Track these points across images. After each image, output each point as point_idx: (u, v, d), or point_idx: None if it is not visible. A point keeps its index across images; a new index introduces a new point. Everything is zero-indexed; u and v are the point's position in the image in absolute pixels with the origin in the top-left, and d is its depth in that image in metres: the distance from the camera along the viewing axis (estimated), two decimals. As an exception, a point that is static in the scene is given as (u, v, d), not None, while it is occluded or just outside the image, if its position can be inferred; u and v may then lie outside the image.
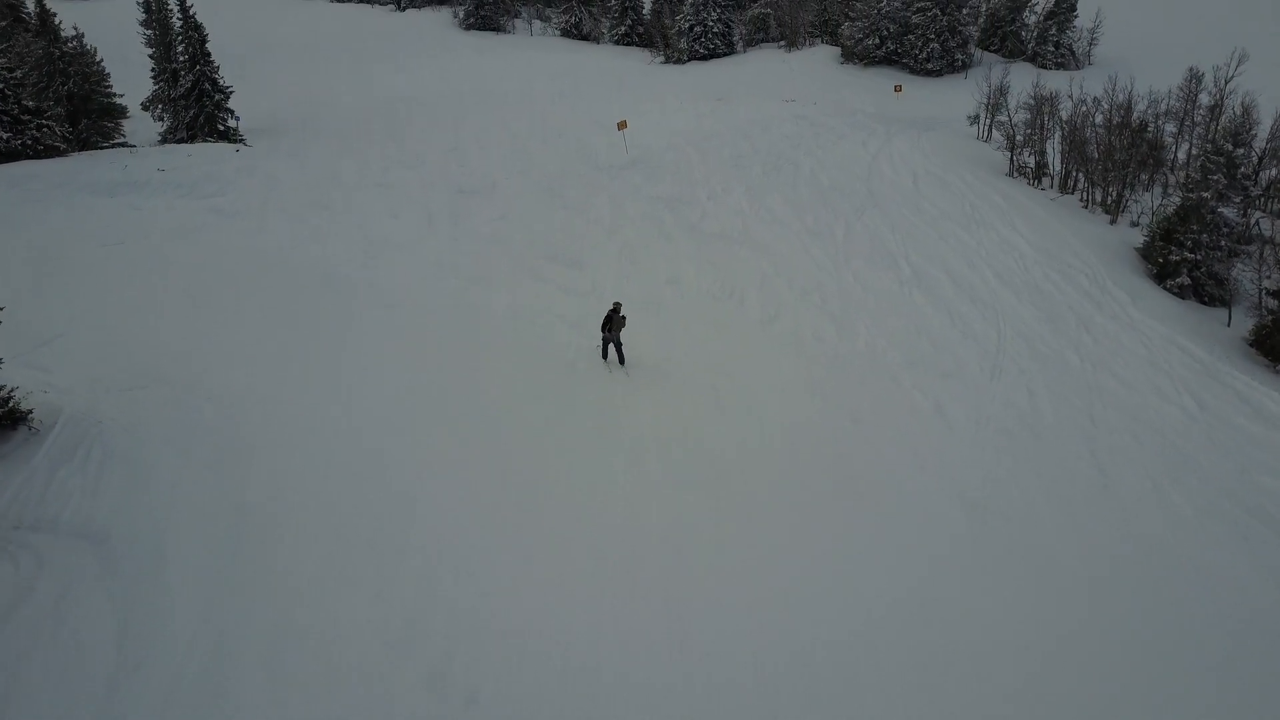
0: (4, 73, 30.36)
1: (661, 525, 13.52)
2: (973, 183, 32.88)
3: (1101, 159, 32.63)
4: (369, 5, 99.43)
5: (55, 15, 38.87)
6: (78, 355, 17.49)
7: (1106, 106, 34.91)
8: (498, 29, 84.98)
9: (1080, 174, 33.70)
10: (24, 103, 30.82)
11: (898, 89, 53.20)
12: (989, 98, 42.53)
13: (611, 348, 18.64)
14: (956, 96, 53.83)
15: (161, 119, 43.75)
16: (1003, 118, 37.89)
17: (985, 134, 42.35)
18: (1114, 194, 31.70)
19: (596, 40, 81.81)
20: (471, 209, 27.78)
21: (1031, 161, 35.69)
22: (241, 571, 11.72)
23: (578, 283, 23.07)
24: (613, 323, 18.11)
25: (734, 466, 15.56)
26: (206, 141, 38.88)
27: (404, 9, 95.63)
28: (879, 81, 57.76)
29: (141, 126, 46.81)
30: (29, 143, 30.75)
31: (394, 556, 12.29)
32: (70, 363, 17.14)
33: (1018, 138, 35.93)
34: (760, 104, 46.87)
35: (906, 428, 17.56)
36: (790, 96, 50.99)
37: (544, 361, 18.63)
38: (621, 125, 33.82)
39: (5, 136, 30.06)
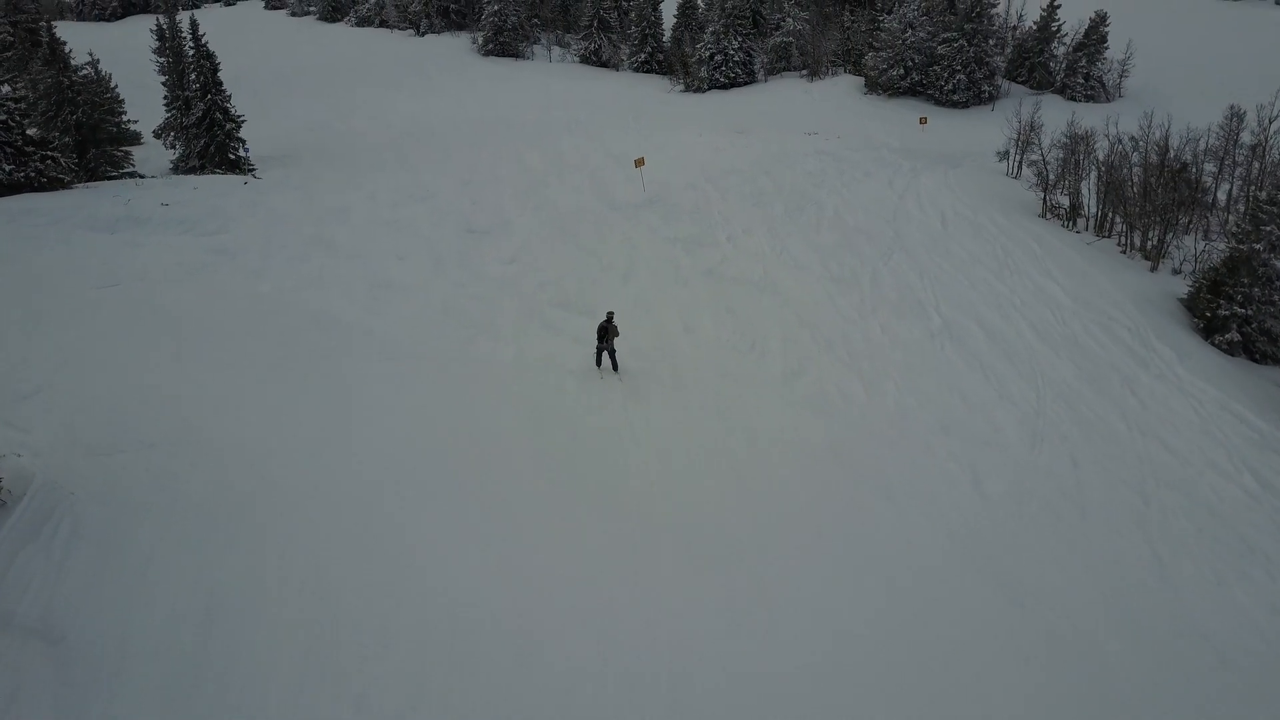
0: (8, 103, 29.74)
1: (672, 610, 12.44)
2: (1004, 224, 31.59)
3: (1139, 200, 31.25)
4: (389, 30, 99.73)
5: (65, 44, 38.42)
6: (59, 411, 16.50)
7: (1144, 145, 33.57)
8: (516, 55, 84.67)
9: (1117, 216, 32.31)
10: (28, 133, 30.19)
11: (923, 121, 52.13)
12: (1019, 133, 41.27)
13: (605, 355, 19.72)
14: (983, 129, 52.65)
15: (173, 147, 43.30)
16: (1034, 155, 36.58)
17: (1015, 170, 41.04)
18: (1154, 238, 30.29)
19: (615, 67, 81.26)
20: (482, 250, 26.80)
21: (1065, 202, 34.36)
22: (206, 682, 10.57)
23: (589, 332, 21.88)
24: (607, 333, 19.33)
25: (750, 544, 14.41)
26: (215, 173, 38.28)
27: (423, 34, 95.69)
28: (903, 113, 56.66)
29: (155, 154, 46.49)
30: (32, 175, 30.08)
31: (380, 651, 11.18)
32: (51, 420, 16.14)
33: (1050, 177, 34.59)
34: (782, 137, 45.85)
35: (941, 502, 16.25)
36: (813, 129, 49.95)
37: (551, 423, 17.51)
38: (639, 163, 32.83)
39: (8, 169, 29.40)
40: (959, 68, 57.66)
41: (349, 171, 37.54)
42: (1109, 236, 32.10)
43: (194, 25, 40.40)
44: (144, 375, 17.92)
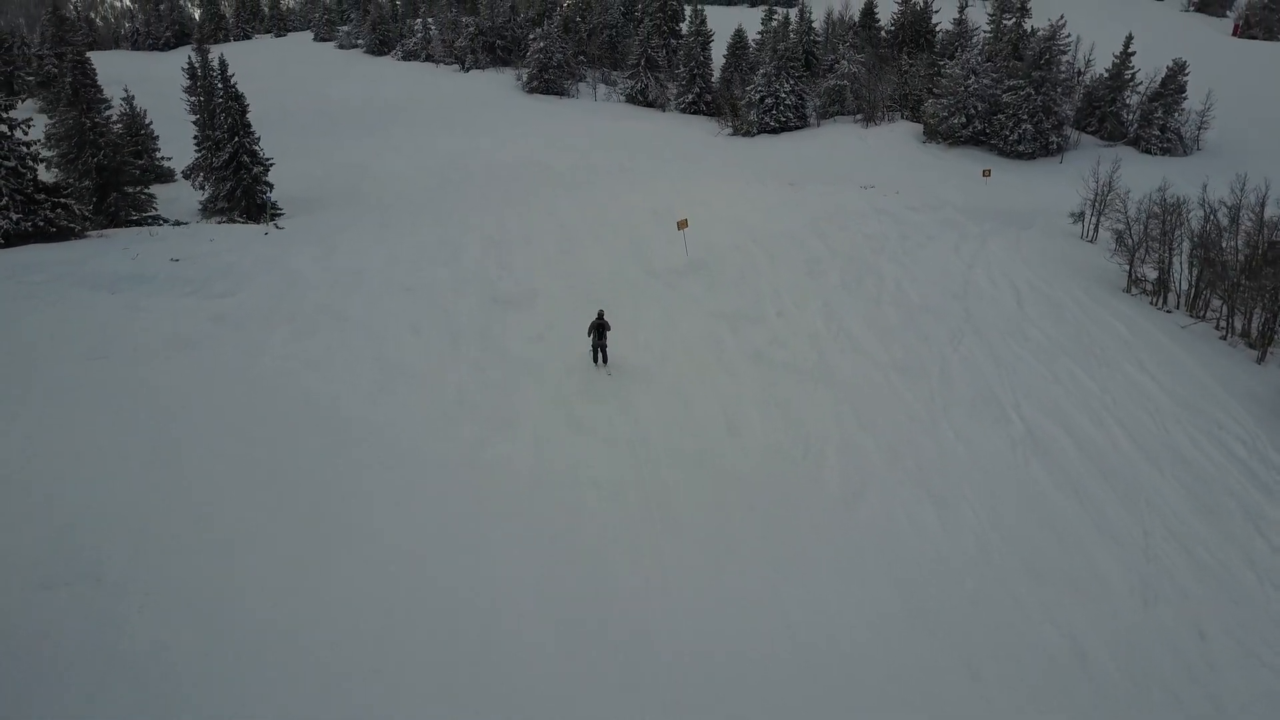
0: (20, 147, 28.22)
1: None
2: (1086, 302, 28.45)
3: (1241, 278, 27.86)
4: (434, 65, 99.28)
5: (93, 81, 37.18)
6: (4, 518, 14.42)
7: (1241, 213, 30.18)
8: (561, 93, 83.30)
9: (1213, 294, 28.93)
10: (40, 180, 28.65)
11: (986, 174, 49.08)
12: (1095, 193, 38.00)
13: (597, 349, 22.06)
14: (1052, 184, 49.44)
15: (202, 188, 41.91)
16: (1118, 223, 33.28)
17: (1090, 233, 37.78)
18: (1260, 323, 26.87)
19: (662, 107, 79.35)
20: (506, 323, 24.40)
21: (1152, 275, 31.05)
22: None
23: (620, 430, 19.33)
24: (600, 330, 21.86)
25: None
26: (235, 222, 36.55)
27: (468, 70, 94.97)
28: (964, 164, 53.62)
29: (186, 192, 45.27)
30: (41, 224, 28.48)
31: None
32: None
33: (1137, 249, 31.30)
34: (836, 191, 43.08)
35: (1039, 684, 13.26)
36: (868, 181, 47.12)
37: (568, 559, 14.86)
38: (682, 224, 30.29)
39: (15, 218, 27.82)
40: (1025, 117, 54.49)
41: (375, 223, 35.59)
42: (1204, 318, 28.73)
43: (223, 65, 39.01)
44: (112, 481, 15.72)
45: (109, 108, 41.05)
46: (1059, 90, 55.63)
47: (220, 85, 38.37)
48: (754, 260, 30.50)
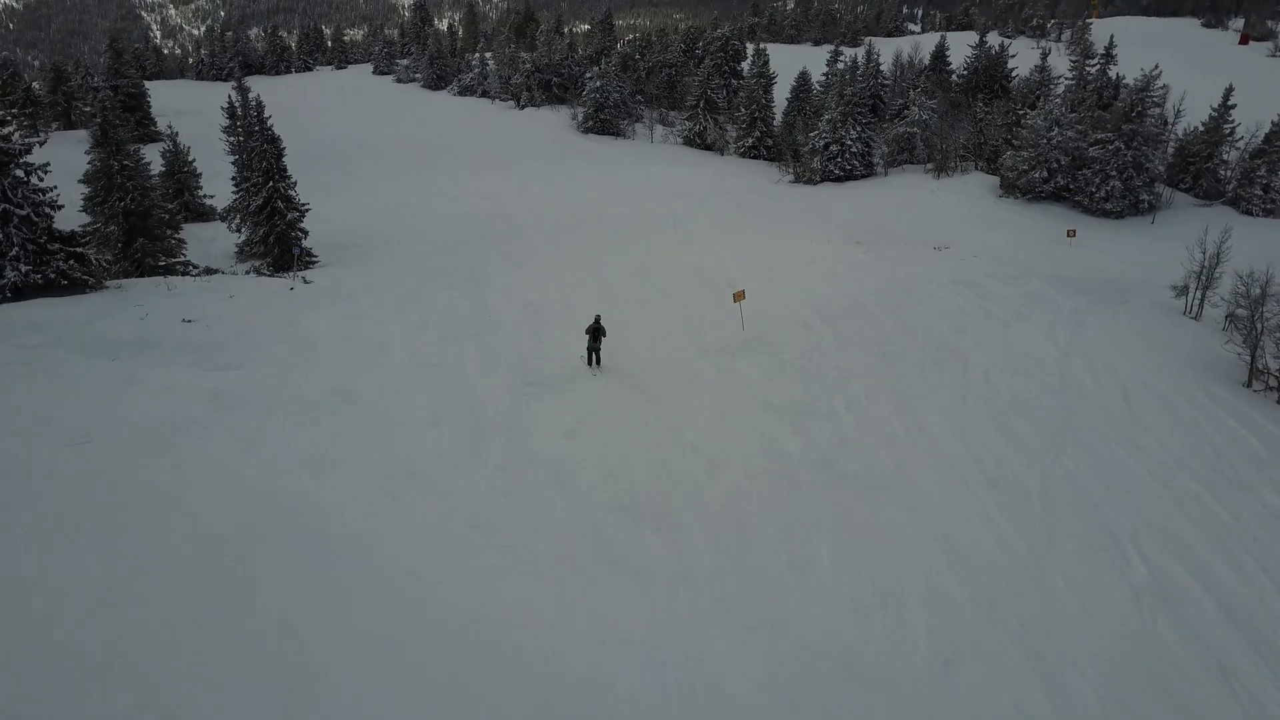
0: (34, 194, 26.48)
1: None
2: (1203, 402, 24.72)
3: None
4: (490, 101, 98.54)
5: (118, 125, 35.84)
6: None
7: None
8: (616, 133, 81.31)
9: (1356, 396, 24.96)
10: (54, 229, 26.89)
11: (1071, 234, 45.30)
12: (1201, 265, 34.06)
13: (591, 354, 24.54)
14: (1144, 247, 45.50)
15: (238, 230, 40.29)
16: (1237, 306, 29.34)
17: (1195, 308, 33.82)
18: None
19: (720, 151, 76.69)
20: (536, 413, 21.64)
21: (1276, 365, 27.11)
22: None
23: (658, 565, 16.32)
24: (595, 334, 24.13)
25: None
26: (264, 275, 34.58)
27: (523, 107, 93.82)
28: (1045, 222, 49.76)
29: (224, 232, 43.85)
30: (52, 277, 26.63)
31: None
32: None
33: (1260, 337, 27.40)
34: (908, 252, 39.80)
35: None
36: (942, 240, 43.67)
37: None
38: (739, 296, 27.39)
39: (24, 269, 26.00)
40: (1113, 173, 50.45)
41: (409, 279, 33.38)
42: (1346, 424, 24.76)
43: (260, 107, 37.42)
44: (51, 624, 13.11)
45: (161, 138, 39.76)
46: (1151, 145, 51.50)
47: (257, 127, 36.77)
48: (818, 338, 27.38)
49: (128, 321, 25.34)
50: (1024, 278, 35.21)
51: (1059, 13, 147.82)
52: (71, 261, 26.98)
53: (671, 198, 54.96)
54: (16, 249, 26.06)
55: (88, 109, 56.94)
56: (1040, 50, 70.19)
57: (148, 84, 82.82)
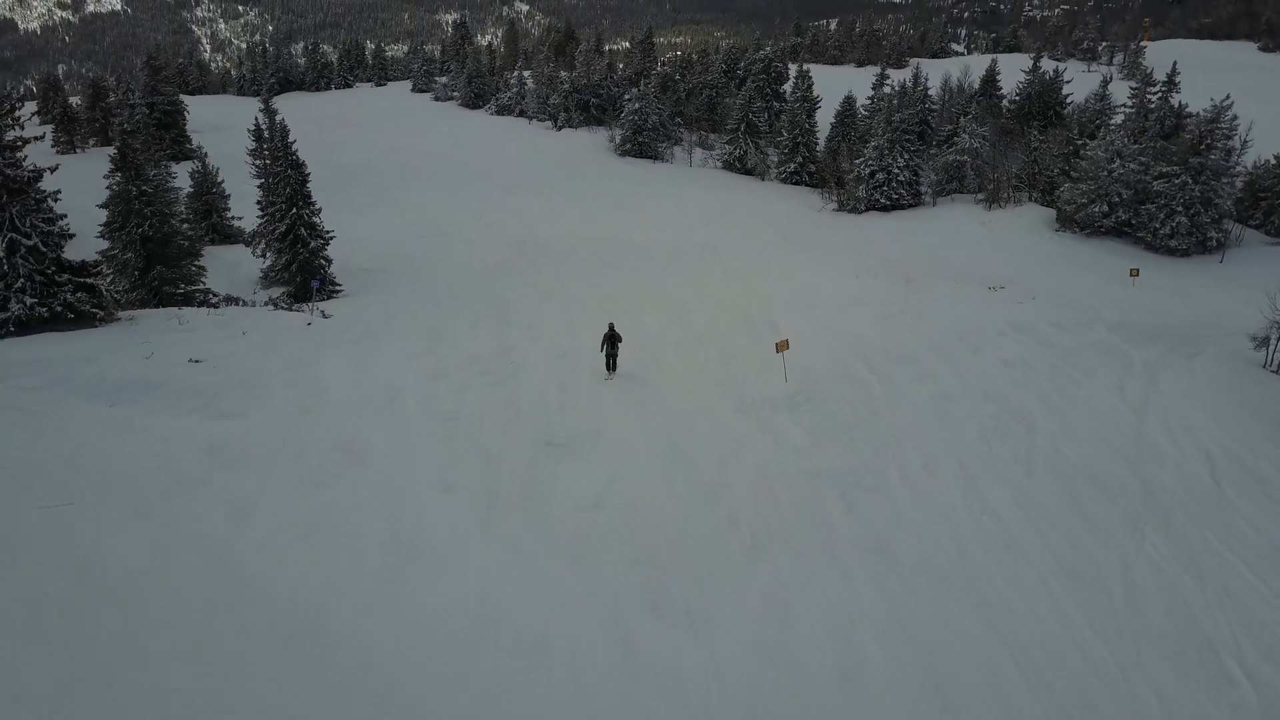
0: (40, 225, 25.30)
1: None
2: (1303, 478, 22.10)
3: None
4: (527, 120, 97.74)
5: (137, 149, 34.87)
6: None
7: None
8: (655, 156, 79.78)
9: None
10: (63, 259, 25.71)
11: (1134, 274, 42.63)
12: (1284, 315, 31.31)
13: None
14: (1214, 288, 42.71)
15: (263, 256, 39.20)
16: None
17: (1276, 361, 31.12)
18: None
19: (761, 176, 74.73)
20: (558, 479, 19.76)
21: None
22: None
23: (691, 669, 14.33)
24: (612, 341, 25.48)
25: None
26: (281, 309, 33.27)
27: (560, 128, 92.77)
28: (1106, 260, 47.07)
29: (249, 256, 42.80)
30: (59, 310, 25.41)
31: None
32: None
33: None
34: (961, 290, 37.51)
35: None
36: (996, 278, 41.26)
37: None
38: (782, 345, 25.44)
39: (29, 302, 24.79)
40: (1179, 208, 47.66)
41: (430, 315, 31.77)
42: None
43: (284, 131, 36.32)
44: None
45: (194, 155, 38.86)
46: (1222, 181, 48.61)
47: (281, 152, 35.67)
48: (868, 393, 25.26)
49: (132, 360, 23.99)
50: (1089, 324, 32.73)
51: (1110, 35, 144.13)
52: (80, 294, 25.78)
53: (710, 224, 53.14)
54: (23, 280, 24.93)
55: (125, 126, 56.56)
56: (1099, 75, 67.39)
57: (190, 99, 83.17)
